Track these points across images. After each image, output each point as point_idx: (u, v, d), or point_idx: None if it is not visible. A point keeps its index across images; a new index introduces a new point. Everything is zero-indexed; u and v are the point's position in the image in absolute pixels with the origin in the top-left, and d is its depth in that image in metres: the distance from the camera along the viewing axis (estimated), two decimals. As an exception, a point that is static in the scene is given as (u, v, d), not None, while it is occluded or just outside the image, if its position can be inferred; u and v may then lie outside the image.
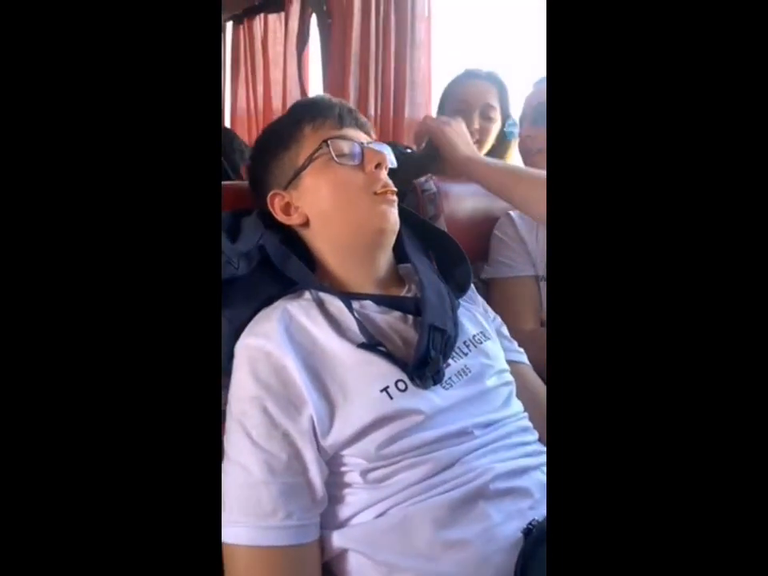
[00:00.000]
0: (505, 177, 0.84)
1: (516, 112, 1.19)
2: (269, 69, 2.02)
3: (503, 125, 1.19)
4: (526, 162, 1.07)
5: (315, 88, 1.89)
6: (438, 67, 1.53)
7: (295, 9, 1.84)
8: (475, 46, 1.57)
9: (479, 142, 1.17)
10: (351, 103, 1.63)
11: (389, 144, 1.34)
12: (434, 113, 1.49)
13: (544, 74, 0.96)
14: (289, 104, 1.93)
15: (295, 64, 1.91)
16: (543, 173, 0.83)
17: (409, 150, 1.25)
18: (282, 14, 1.90)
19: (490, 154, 1.20)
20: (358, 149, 0.65)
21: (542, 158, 0.97)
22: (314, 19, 1.78)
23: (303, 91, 1.92)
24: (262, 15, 1.98)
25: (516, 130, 1.08)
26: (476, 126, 1.14)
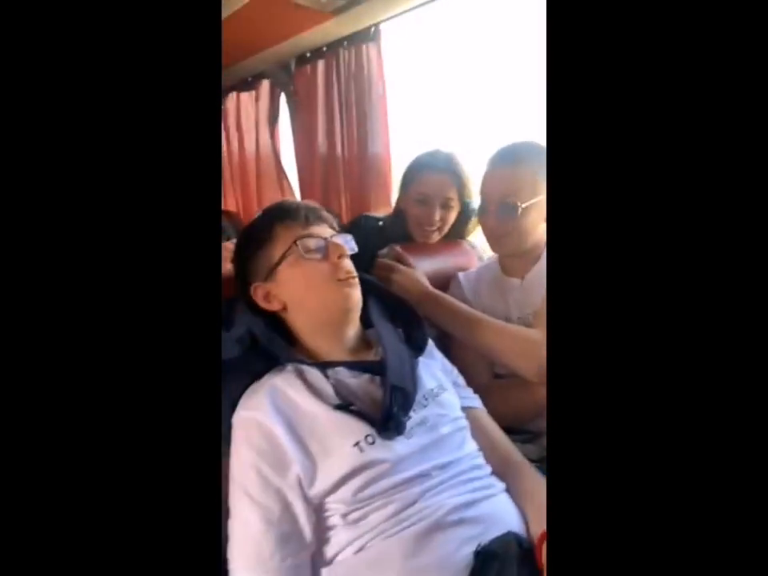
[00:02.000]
0: (454, 322, 1.01)
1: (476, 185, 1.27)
2: (243, 138, 2.20)
3: (461, 207, 1.29)
4: (493, 245, 1.10)
5: (287, 154, 2.07)
6: (395, 135, 1.70)
7: (265, 88, 2.03)
8: (428, 121, 1.74)
9: (440, 229, 1.29)
10: (321, 163, 1.81)
11: (360, 216, 1.49)
12: (395, 177, 1.65)
13: (497, 148, 1.07)
14: (262, 169, 2.11)
15: (267, 135, 2.08)
16: (493, 322, 0.98)
17: (380, 222, 1.39)
18: (253, 93, 2.08)
19: (451, 233, 1.33)
20: (322, 244, 0.79)
21: (507, 241, 1.06)
22: (282, 97, 1.97)
23: (276, 157, 2.09)
24: (234, 94, 2.15)
25: (476, 210, 1.12)
26: (437, 217, 1.25)
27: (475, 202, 1.23)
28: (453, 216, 1.29)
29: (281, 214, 0.81)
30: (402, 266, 1.05)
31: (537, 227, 1.05)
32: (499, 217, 1.02)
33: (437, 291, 1.04)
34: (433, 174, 1.26)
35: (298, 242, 0.78)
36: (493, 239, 1.08)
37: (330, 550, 0.66)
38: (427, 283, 1.05)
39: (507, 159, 1.03)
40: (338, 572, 0.65)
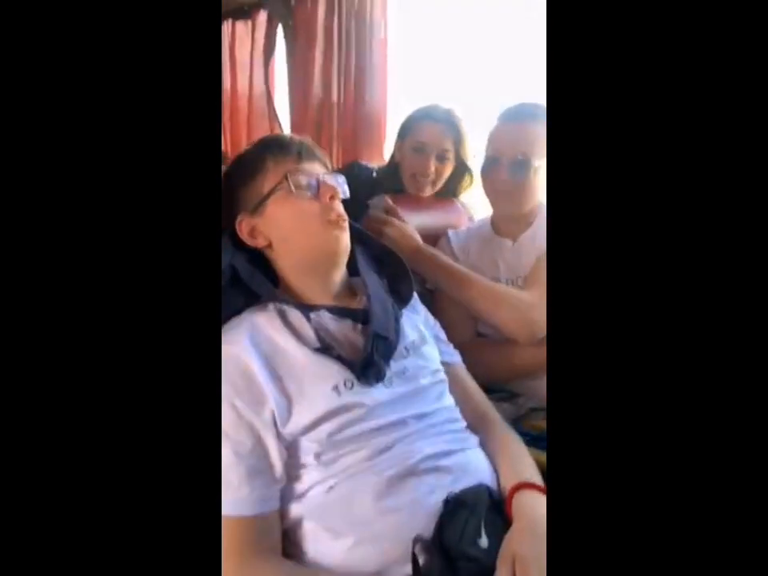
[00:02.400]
0: (447, 280, 1.01)
1: (475, 143, 1.26)
2: (236, 72, 2.09)
3: (456, 163, 1.28)
4: (497, 201, 1.09)
5: (281, 94, 1.98)
6: (393, 84, 1.64)
7: (262, 19, 1.92)
8: (430, 73, 1.68)
9: (433, 182, 1.27)
10: (315, 106, 1.74)
11: (353, 163, 1.46)
12: (390, 128, 1.60)
13: (502, 106, 1.06)
14: (255, 108, 2.02)
15: (261, 71, 1.98)
16: (486, 282, 0.98)
17: (374, 173, 1.36)
18: (249, 22, 1.96)
19: (443, 190, 1.31)
20: (314, 182, 0.76)
21: (512, 200, 1.04)
22: (279, 30, 1.86)
23: (269, 97, 2.00)
24: (229, 21, 2.03)
25: (483, 166, 1.07)
26: (432, 167, 1.24)
27: (472, 159, 1.21)
28: (448, 170, 1.28)
29: (273, 146, 0.78)
30: (395, 220, 1.02)
31: (539, 189, 1.04)
32: (510, 172, 1.00)
33: (430, 248, 1.03)
34: (431, 123, 1.25)
35: (288, 177, 0.74)
36: (498, 195, 1.06)
37: (300, 486, 0.66)
38: (419, 239, 1.03)
39: (522, 116, 1.02)
40: (305, 507, 0.65)
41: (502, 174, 1.01)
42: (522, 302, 0.93)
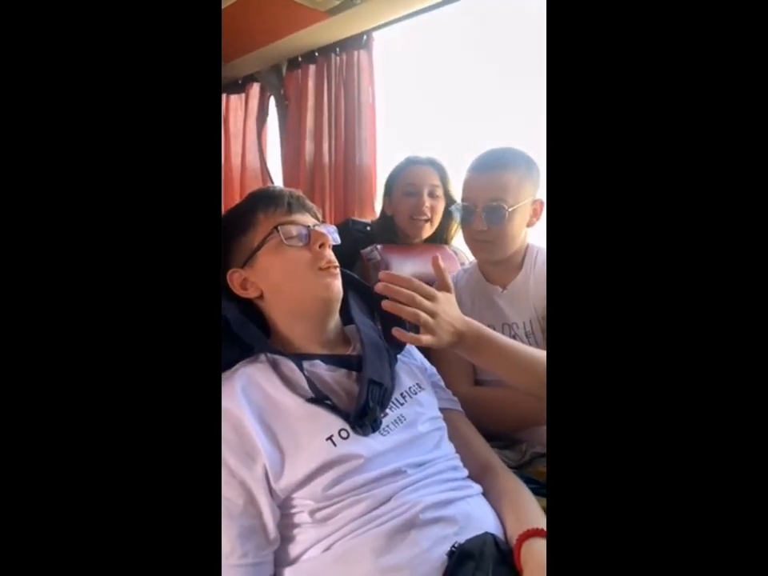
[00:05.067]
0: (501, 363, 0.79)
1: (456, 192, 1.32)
2: (229, 141, 2.18)
3: (447, 204, 1.33)
4: (477, 250, 1.08)
5: (273, 159, 2.05)
6: (381, 142, 1.71)
7: (255, 91, 2.02)
8: (415, 131, 1.76)
9: (431, 221, 1.32)
10: (307, 170, 1.80)
11: (347, 220, 1.50)
12: (379, 184, 1.65)
13: (475, 155, 1.08)
14: (248, 173, 2.09)
15: (254, 137, 2.07)
16: (536, 355, 0.78)
17: (368, 228, 1.41)
18: (243, 95, 2.07)
19: (438, 231, 1.35)
20: (304, 231, 0.77)
21: (492, 247, 1.04)
22: (272, 101, 1.96)
23: (262, 160, 2.07)
24: (224, 95, 2.14)
25: (459, 215, 1.07)
26: (426, 204, 1.30)
27: (457, 207, 1.24)
28: (440, 206, 1.33)
29: (263, 200, 0.79)
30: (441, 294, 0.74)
31: (520, 233, 1.05)
32: (486, 220, 1.01)
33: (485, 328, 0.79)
34: (416, 167, 1.34)
35: (279, 228, 0.75)
36: (477, 244, 1.06)
37: (295, 549, 0.62)
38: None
39: (492, 164, 1.03)
40: (301, 571, 0.61)
41: (478, 224, 1.01)
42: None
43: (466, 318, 0.75)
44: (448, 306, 0.73)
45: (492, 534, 0.62)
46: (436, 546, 0.60)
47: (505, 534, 0.65)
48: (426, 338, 0.68)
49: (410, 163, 1.35)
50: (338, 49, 1.69)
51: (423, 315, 0.68)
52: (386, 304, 0.67)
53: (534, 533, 0.61)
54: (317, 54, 1.75)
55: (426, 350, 0.98)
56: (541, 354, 0.83)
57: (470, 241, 1.08)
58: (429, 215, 1.30)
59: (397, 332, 0.68)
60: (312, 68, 1.78)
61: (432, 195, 1.31)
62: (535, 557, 0.58)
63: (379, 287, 0.67)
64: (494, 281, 1.10)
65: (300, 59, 1.80)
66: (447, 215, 1.34)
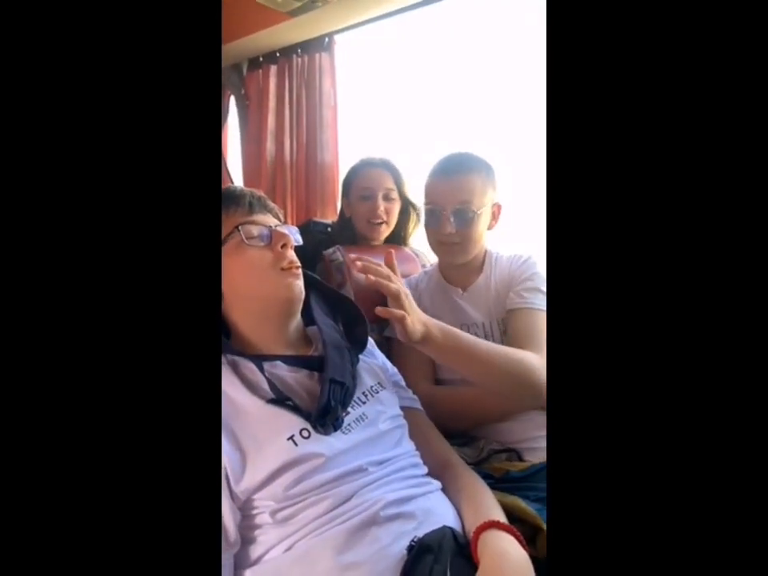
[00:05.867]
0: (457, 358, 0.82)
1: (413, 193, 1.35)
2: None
3: (401, 201, 1.36)
4: (443, 253, 1.09)
5: (233, 159, 2.02)
6: (344, 141, 1.71)
7: (214, 90, 1.99)
8: (376, 131, 1.78)
9: (387, 223, 1.33)
10: (268, 170, 1.78)
11: (308, 221, 1.50)
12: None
13: (434, 158, 1.10)
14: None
15: (214, 138, 2.03)
16: (485, 348, 0.82)
17: (329, 228, 1.41)
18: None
19: (396, 231, 1.37)
20: (266, 231, 0.77)
21: (458, 249, 1.05)
22: (232, 100, 1.93)
23: (222, 159, 2.04)
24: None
25: (426, 219, 1.08)
26: (381, 208, 1.31)
27: (414, 207, 1.25)
28: (396, 208, 1.35)
29: (225, 199, 0.78)
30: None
31: (483, 236, 1.07)
32: (455, 223, 1.02)
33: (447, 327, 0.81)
34: (370, 169, 1.35)
35: (240, 228, 0.75)
36: (444, 247, 1.07)
37: (256, 550, 0.62)
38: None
39: (457, 168, 1.05)
40: (262, 572, 0.61)
41: (446, 227, 1.02)
42: (529, 366, 0.85)
43: (429, 317, 0.79)
44: (414, 303, 0.78)
45: (450, 528, 0.63)
46: (396, 541, 0.61)
47: (463, 527, 0.67)
48: (400, 312, 0.72)
49: (365, 165, 1.37)
50: (299, 50, 1.69)
51: (403, 290, 0.74)
52: (368, 279, 0.71)
53: (490, 524, 0.63)
54: (278, 54, 1.74)
55: (387, 351, 1.00)
56: (504, 350, 0.87)
57: (436, 243, 1.09)
58: (384, 218, 1.32)
59: (380, 309, 0.71)
60: (273, 68, 1.77)
61: (387, 198, 1.33)
62: (492, 548, 0.60)
63: (358, 265, 0.72)
64: (454, 283, 1.12)
65: (261, 59, 1.78)
66: (403, 216, 1.36)
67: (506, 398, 0.93)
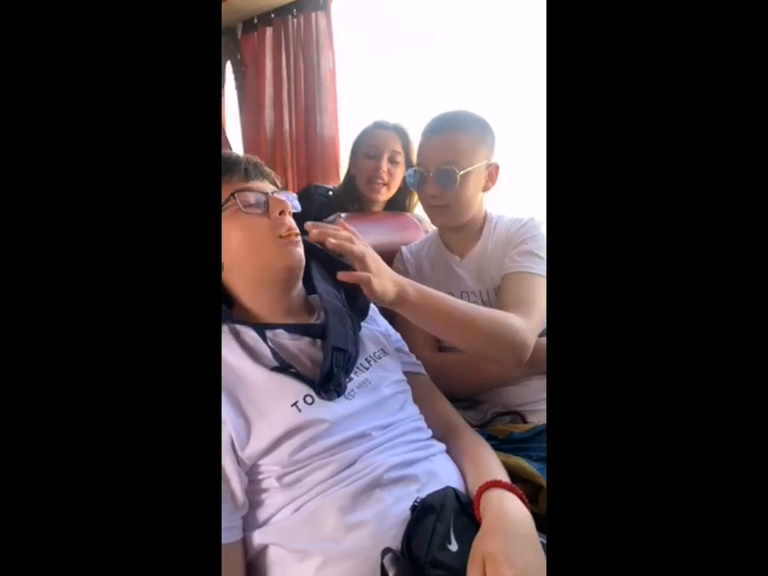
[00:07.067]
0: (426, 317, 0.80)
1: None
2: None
3: (407, 166, 1.34)
4: (432, 216, 1.08)
5: (232, 127, 1.99)
6: (343, 109, 1.67)
7: (209, 55, 1.94)
8: (379, 96, 1.73)
9: (388, 185, 1.33)
10: (267, 138, 1.75)
11: (309, 186, 1.49)
12: (343, 152, 1.63)
13: (430, 118, 1.05)
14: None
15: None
16: (465, 310, 0.80)
17: (330, 192, 1.41)
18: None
19: (396, 196, 1.36)
20: (263, 198, 0.75)
21: (447, 211, 1.02)
22: (228, 66, 1.89)
23: (221, 127, 2.01)
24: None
25: (413, 181, 1.05)
26: (384, 168, 1.32)
27: (410, 173, 1.24)
28: (400, 173, 1.34)
29: None
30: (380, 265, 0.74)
31: (475, 197, 1.03)
32: (438, 185, 0.99)
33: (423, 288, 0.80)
34: (381, 131, 1.37)
35: (236, 195, 0.74)
36: (433, 210, 1.05)
37: (264, 512, 0.64)
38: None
39: (444, 127, 1.01)
40: (270, 533, 0.63)
41: (431, 188, 1.00)
42: (510, 328, 0.83)
43: (403, 277, 0.77)
44: (383, 263, 0.73)
45: (453, 488, 0.64)
46: (399, 502, 0.62)
47: (466, 487, 0.68)
48: (365, 275, 0.68)
49: (376, 126, 1.38)
50: (294, 10, 1.64)
51: (368, 252, 0.70)
52: (329, 243, 0.66)
53: (493, 484, 0.63)
54: (273, 15, 1.68)
55: (390, 317, 1.00)
56: (486, 311, 0.85)
57: (426, 206, 1.07)
58: (386, 179, 1.33)
59: (342, 274, 0.68)
60: (269, 31, 1.72)
61: (392, 161, 1.34)
62: (494, 506, 0.61)
63: (314, 233, 0.67)
64: (453, 249, 1.10)
65: (256, 21, 1.73)
66: (407, 180, 1.35)
67: (492, 362, 0.91)
